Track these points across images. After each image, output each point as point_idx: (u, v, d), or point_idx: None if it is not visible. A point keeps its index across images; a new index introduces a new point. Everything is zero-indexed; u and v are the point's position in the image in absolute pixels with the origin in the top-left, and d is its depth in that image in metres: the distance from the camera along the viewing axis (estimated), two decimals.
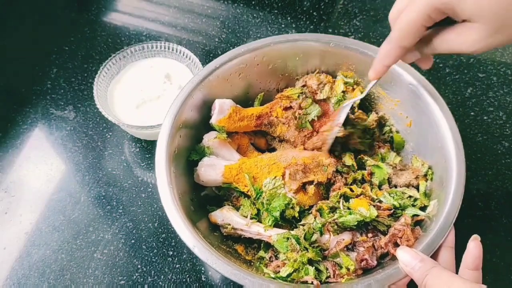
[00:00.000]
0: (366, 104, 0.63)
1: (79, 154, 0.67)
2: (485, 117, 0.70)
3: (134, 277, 0.57)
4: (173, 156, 0.52)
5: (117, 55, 0.67)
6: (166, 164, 0.51)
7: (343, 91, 0.60)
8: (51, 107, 0.72)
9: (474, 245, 0.42)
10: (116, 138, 0.69)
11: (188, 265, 0.58)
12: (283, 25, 0.81)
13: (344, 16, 0.82)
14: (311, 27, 0.81)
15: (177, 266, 0.58)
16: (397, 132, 0.61)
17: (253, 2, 0.85)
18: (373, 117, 0.60)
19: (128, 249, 0.59)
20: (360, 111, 0.60)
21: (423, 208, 0.52)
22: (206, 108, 0.58)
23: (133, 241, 0.60)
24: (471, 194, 0.63)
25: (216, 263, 0.45)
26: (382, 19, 0.82)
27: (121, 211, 0.62)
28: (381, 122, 0.62)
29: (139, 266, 0.58)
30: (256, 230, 0.52)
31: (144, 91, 0.67)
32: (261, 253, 0.53)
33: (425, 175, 0.55)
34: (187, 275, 0.57)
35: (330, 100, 0.60)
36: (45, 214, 0.62)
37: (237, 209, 0.55)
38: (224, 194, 0.57)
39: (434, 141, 0.53)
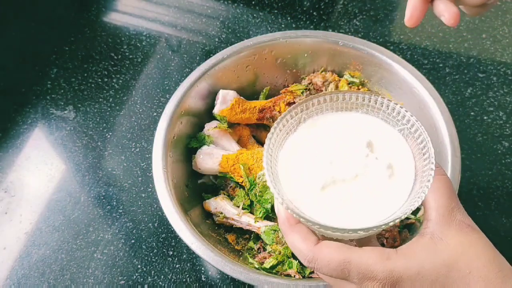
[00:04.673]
0: None
1: (79, 154, 0.67)
2: (485, 117, 0.70)
3: (134, 277, 0.57)
4: (171, 141, 0.53)
5: (300, 106, 0.40)
6: (163, 148, 0.52)
7: None
8: (51, 107, 0.72)
9: None
10: (116, 138, 0.69)
11: (188, 265, 0.58)
12: (283, 25, 0.81)
13: (344, 16, 0.82)
14: (311, 27, 0.81)
15: (177, 266, 0.58)
16: None
17: (253, 2, 0.85)
18: None
19: (128, 249, 0.59)
20: None
21: (415, 212, 0.52)
22: (210, 97, 0.59)
23: (133, 241, 0.60)
24: (471, 194, 0.63)
25: (200, 248, 0.46)
26: (382, 19, 0.82)
27: (121, 211, 0.62)
28: None
29: (139, 266, 0.58)
30: (246, 220, 0.53)
31: (334, 165, 0.39)
32: (251, 243, 0.54)
33: None
34: (187, 275, 0.57)
35: None
36: (45, 214, 0.62)
37: (232, 199, 0.56)
38: (220, 184, 0.58)
39: (433, 145, 0.53)
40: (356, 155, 0.39)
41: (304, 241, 0.34)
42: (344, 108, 0.41)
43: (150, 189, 0.64)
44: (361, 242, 0.38)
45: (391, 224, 0.33)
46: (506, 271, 0.34)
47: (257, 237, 0.54)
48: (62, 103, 0.72)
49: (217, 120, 0.59)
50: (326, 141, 0.40)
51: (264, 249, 0.53)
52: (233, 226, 0.55)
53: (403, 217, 0.33)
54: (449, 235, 0.33)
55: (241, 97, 0.59)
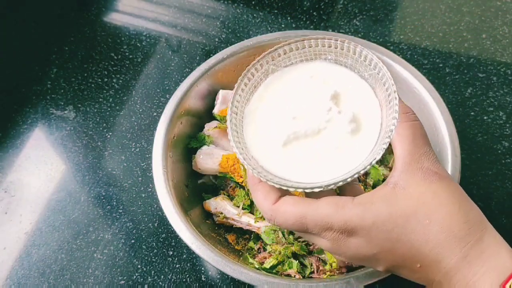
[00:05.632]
0: None
1: (79, 154, 0.67)
2: (485, 117, 0.70)
3: (134, 277, 0.57)
4: (171, 141, 0.54)
5: (266, 57, 0.39)
6: (163, 148, 0.52)
7: None
8: (51, 107, 0.72)
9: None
10: (116, 138, 0.69)
11: (188, 265, 0.58)
12: (283, 25, 0.81)
13: (344, 16, 0.82)
14: (311, 27, 0.81)
15: (177, 266, 0.58)
16: None
17: (253, 2, 0.85)
18: None
19: (128, 249, 0.59)
20: None
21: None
22: (210, 97, 0.59)
23: (133, 241, 0.60)
24: (471, 194, 0.63)
25: (200, 248, 0.46)
26: (382, 19, 0.82)
27: (121, 211, 0.62)
28: None
29: (139, 266, 0.58)
30: (246, 220, 0.53)
31: (297, 120, 0.38)
32: (251, 243, 0.54)
33: None
34: (187, 275, 0.57)
35: None
36: (45, 214, 0.62)
37: (232, 199, 0.56)
38: (220, 184, 0.58)
39: (433, 145, 0.53)
40: (320, 110, 0.38)
41: (265, 199, 0.35)
42: (313, 56, 0.40)
43: (150, 189, 0.64)
44: (343, 188, 0.38)
45: (349, 179, 0.32)
46: (473, 222, 0.31)
47: (257, 237, 0.54)
48: (62, 103, 0.72)
49: (217, 120, 0.59)
50: (292, 94, 0.39)
51: (264, 249, 0.53)
52: (233, 226, 0.55)
53: (362, 172, 0.32)
54: (413, 184, 0.32)
55: None
